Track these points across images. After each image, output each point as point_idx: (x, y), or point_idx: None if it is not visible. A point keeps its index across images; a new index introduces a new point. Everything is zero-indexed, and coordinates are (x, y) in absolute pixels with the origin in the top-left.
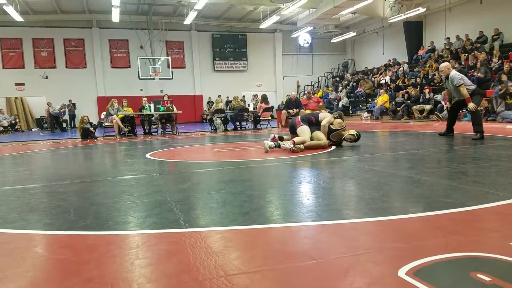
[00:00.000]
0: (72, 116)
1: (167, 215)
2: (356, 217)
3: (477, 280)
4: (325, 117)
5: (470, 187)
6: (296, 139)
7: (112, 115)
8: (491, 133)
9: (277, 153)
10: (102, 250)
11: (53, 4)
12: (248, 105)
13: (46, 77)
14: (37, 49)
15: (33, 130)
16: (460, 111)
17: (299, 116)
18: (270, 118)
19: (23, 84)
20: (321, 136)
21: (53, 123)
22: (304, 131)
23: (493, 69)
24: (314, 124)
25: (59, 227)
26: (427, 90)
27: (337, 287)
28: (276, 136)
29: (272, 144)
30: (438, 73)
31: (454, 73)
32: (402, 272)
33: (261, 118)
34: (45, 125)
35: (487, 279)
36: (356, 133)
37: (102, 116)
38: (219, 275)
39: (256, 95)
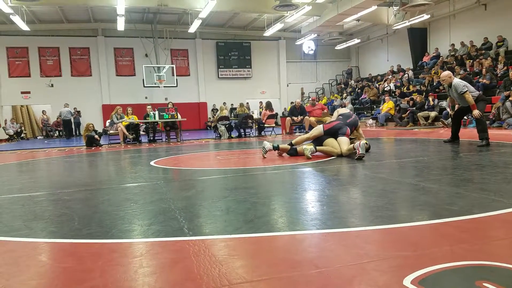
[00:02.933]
0: (77, 124)
1: (171, 223)
2: (361, 225)
3: None
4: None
5: (476, 194)
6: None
7: (116, 123)
8: (497, 140)
9: (281, 160)
10: (106, 258)
11: (59, 14)
12: (252, 112)
13: (52, 85)
14: (43, 58)
15: (38, 138)
16: (466, 118)
17: (348, 127)
18: (274, 125)
19: (28, 92)
20: (335, 145)
21: (67, 128)
22: (344, 142)
23: (499, 75)
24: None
25: (64, 235)
26: (432, 97)
27: None
28: (271, 146)
29: (270, 146)
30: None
31: (457, 81)
32: (407, 281)
33: (265, 125)
34: (50, 133)
35: None
36: (367, 143)
37: (107, 124)
38: (223, 284)
39: (261, 102)
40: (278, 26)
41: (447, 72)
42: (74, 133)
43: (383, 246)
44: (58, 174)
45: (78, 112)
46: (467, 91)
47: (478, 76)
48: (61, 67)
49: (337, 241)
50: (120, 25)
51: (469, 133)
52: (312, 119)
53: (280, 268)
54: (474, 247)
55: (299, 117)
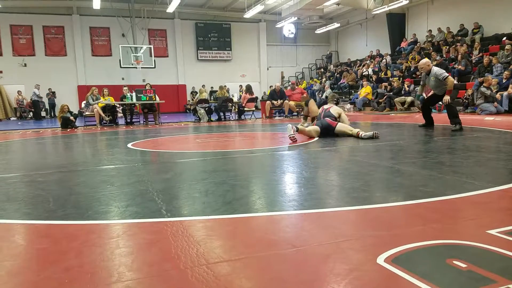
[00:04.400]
0: (52, 105)
1: (149, 205)
2: (337, 205)
3: (453, 267)
4: (339, 112)
5: (448, 177)
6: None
7: (92, 104)
8: (470, 125)
9: (261, 143)
10: (82, 240)
11: None
12: (232, 95)
13: (25, 65)
14: (15, 36)
15: (11, 119)
16: (441, 103)
17: (326, 118)
18: (254, 109)
19: (0, 72)
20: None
21: (38, 110)
22: (345, 123)
23: (473, 61)
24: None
25: (38, 216)
26: (407, 82)
27: (317, 273)
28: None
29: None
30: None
31: (436, 68)
32: (381, 259)
33: (245, 109)
34: (24, 114)
35: (463, 265)
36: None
37: (83, 105)
38: (200, 264)
39: (241, 85)
40: (259, 8)
41: (425, 60)
42: (49, 114)
43: (358, 226)
44: (32, 156)
45: (53, 93)
46: (449, 75)
47: (453, 62)
48: (35, 46)
49: (313, 221)
50: (96, 3)
51: (444, 118)
52: (292, 103)
53: (257, 247)
54: (446, 227)
55: (279, 101)
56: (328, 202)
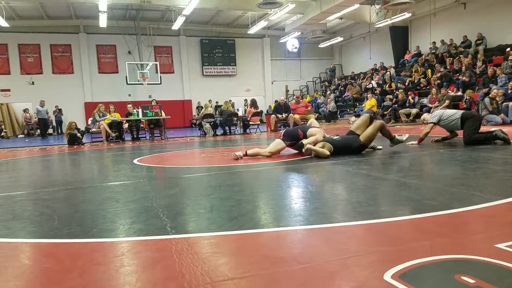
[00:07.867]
0: (59, 122)
1: (154, 222)
2: (343, 220)
3: (461, 283)
4: (314, 133)
5: (455, 189)
6: (311, 145)
7: (98, 121)
8: None
9: (266, 158)
10: (86, 258)
11: (40, 10)
12: (237, 109)
13: (33, 83)
14: (23, 55)
15: (19, 136)
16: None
17: (284, 132)
18: (259, 122)
19: (8, 90)
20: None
21: (43, 128)
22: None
23: (478, 73)
24: (300, 139)
25: (43, 235)
26: (411, 95)
27: None
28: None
29: (240, 154)
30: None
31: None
32: (387, 276)
33: (250, 123)
34: (31, 131)
35: (471, 281)
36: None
37: (89, 122)
38: (205, 282)
39: (246, 99)
40: (262, 23)
41: (423, 116)
42: (56, 131)
43: (364, 241)
44: (39, 173)
45: (60, 110)
46: (430, 123)
47: (458, 74)
48: (42, 64)
49: (319, 237)
50: (102, 21)
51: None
52: (297, 116)
53: (263, 264)
54: (453, 241)
55: (284, 115)
56: (334, 217)
